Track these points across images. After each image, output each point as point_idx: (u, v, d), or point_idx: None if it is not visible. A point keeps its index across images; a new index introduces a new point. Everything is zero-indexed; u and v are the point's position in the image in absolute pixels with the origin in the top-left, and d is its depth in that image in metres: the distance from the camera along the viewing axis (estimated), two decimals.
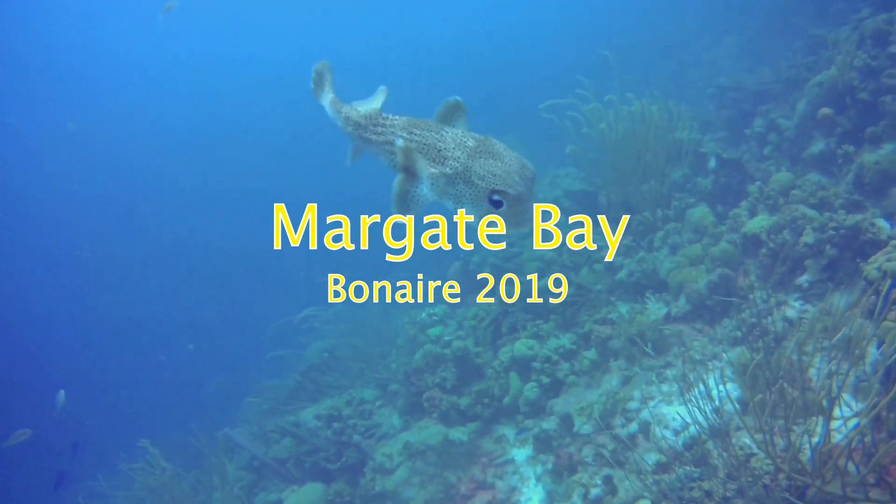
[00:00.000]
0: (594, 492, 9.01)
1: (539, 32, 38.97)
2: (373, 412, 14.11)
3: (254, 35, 53.84)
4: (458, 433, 11.75)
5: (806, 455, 6.19)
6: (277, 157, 43.38)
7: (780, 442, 7.69)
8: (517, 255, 14.99)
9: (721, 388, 9.18)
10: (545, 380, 11.66)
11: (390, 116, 3.89)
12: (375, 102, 4.06)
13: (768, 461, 7.08)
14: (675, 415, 9.50)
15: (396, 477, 11.75)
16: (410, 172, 3.52)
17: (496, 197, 3.29)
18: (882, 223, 9.79)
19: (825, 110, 12.22)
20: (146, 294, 34.78)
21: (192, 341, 28.14)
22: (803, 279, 9.73)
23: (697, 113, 15.44)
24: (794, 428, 6.97)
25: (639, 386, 10.42)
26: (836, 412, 6.19)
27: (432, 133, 3.58)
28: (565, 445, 10.67)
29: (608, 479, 9.03)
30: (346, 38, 52.45)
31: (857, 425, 5.68)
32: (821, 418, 6.22)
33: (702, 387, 9.67)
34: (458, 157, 3.41)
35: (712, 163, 13.71)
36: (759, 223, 10.78)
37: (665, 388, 10.12)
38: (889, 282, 6.61)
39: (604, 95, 13.41)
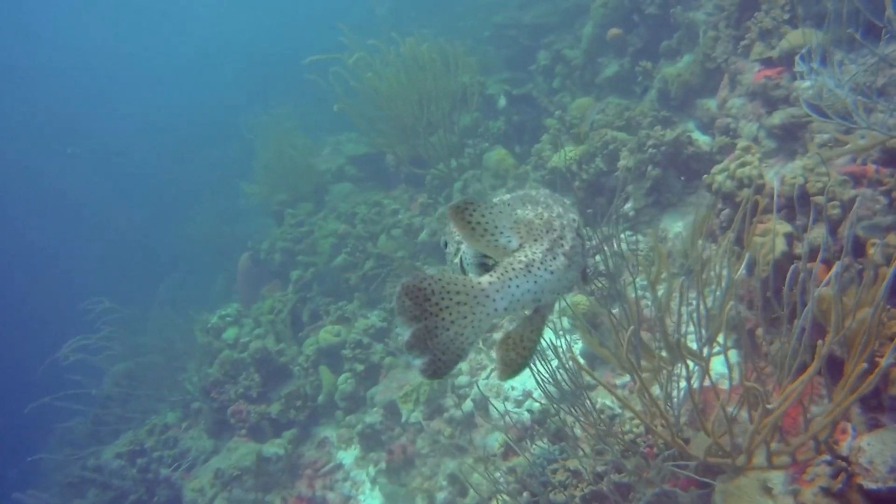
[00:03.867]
0: (440, 496, 7.61)
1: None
2: (179, 438, 12.36)
3: None
4: (273, 447, 10.25)
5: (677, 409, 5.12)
6: None
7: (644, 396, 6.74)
8: (308, 235, 13.57)
9: (561, 341, 8.12)
10: (359, 367, 10.34)
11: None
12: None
13: (637, 422, 5.99)
14: (512, 383, 8.35)
15: None
16: None
17: None
18: (700, 136, 8.97)
19: (615, 30, 11.49)
20: None
21: None
22: (627, 206, 8.74)
23: (479, 59, 14.42)
24: (658, 377, 5.92)
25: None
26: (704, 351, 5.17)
27: None
28: (396, 438, 9.37)
29: (454, 479, 7.67)
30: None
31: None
32: (689, 362, 5.15)
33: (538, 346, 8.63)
34: None
35: (502, 102, 12.70)
36: (566, 154, 9.75)
37: (494, 353, 8.94)
38: (748, 191, 5.60)
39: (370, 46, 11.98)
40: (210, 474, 10.38)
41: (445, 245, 2.94)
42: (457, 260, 2.77)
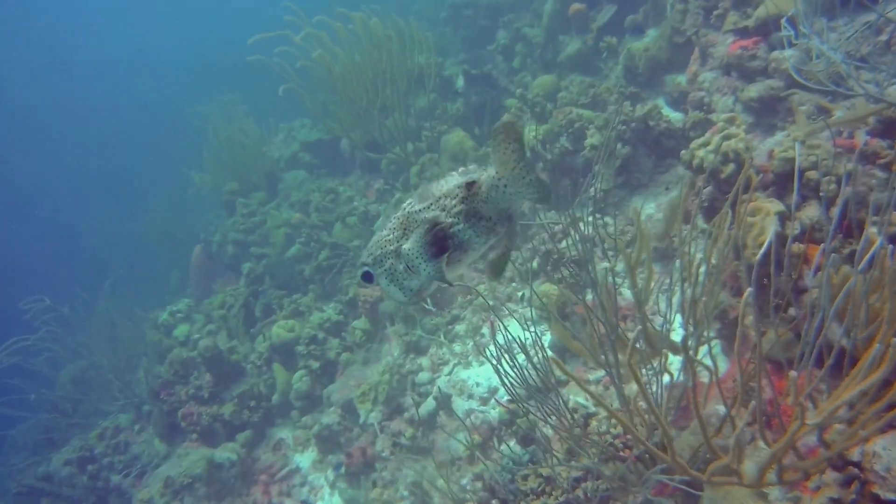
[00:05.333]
0: None
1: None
2: (130, 442, 11.73)
3: None
4: (226, 452, 9.65)
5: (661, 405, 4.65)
6: None
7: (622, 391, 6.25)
8: (261, 225, 12.98)
9: (527, 334, 7.63)
10: (314, 364, 9.79)
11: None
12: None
13: (614, 422, 5.49)
14: (477, 379, 7.83)
15: None
16: None
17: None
18: (670, 112, 8.48)
19: (577, 6, 10.98)
20: None
21: None
22: (596, 187, 8.23)
23: (436, 41, 13.86)
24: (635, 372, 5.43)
25: (425, 351, 8.70)
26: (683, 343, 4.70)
27: None
28: (354, 440, 8.82)
29: (416, 486, 7.06)
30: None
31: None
32: (667, 354, 4.67)
33: (501, 338, 8.09)
34: None
35: (460, 82, 12.17)
36: (528, 134, 9.24)
37: (457, 347, 8.43)
38: (732, 167, 5.09)
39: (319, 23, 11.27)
40: (160, 483, 9.77)
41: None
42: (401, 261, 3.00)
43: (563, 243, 7.82)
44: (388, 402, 8.34)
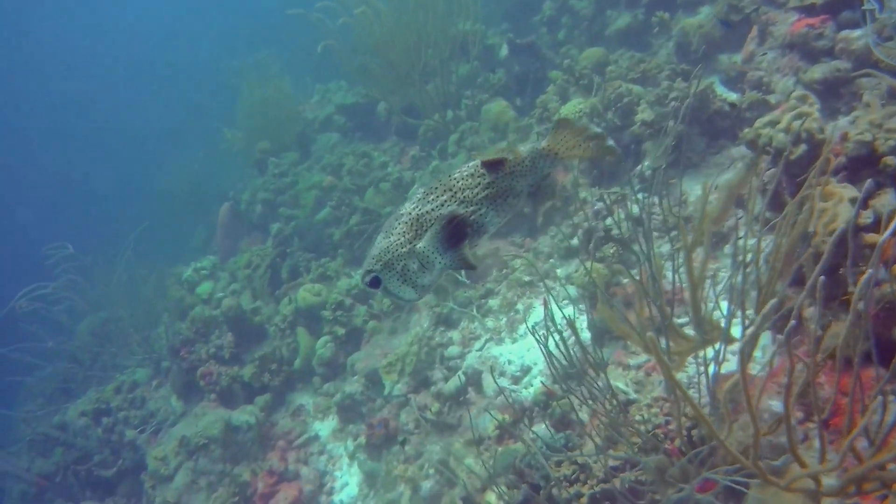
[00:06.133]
0: (426, 485, 6.70)
1: None
2: (147, 398, 11.57)
3: None
4: (244, 415, 9.44)
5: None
6: None
7: (658, 379, 5.95)
8: (291, 186, 12.71)
9: (564, 314, 7.36)
10: (340, 331, 9.54)
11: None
12: None
13: (655, 409, 5.20)
14: (510, 356, 7.56)
15: (177, 483, 9.36)
16: None
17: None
18: (725, 91, 8.12)
19: None
20: None
21: None
22: (644, 165, 7.90)
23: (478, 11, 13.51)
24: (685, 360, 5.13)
25: (456, 325, 8.42)
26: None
27: None
28: (377, 410, 8.57)
29: (443, 466, 6.72)
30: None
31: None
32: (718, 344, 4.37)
33: (539, 316, 7.79)
34: None
35: (503, 51, 11.83)
36: (574, 107, 8.91)
37: (490, 322, 8.13)
38: (803, 148, 4.75)
39: None
40: (175, 442, 9.60)
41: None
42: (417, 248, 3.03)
43: (608, 221, 7.52)
44: (414, 375, 8.07)
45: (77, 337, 13.04)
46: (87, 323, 13.41)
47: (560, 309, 5.64)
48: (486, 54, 12.05)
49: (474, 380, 7.44)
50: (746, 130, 5.37)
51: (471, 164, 3.12)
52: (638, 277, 4.84)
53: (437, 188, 3.06)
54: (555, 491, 5.13)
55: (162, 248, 17.56)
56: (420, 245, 3.00)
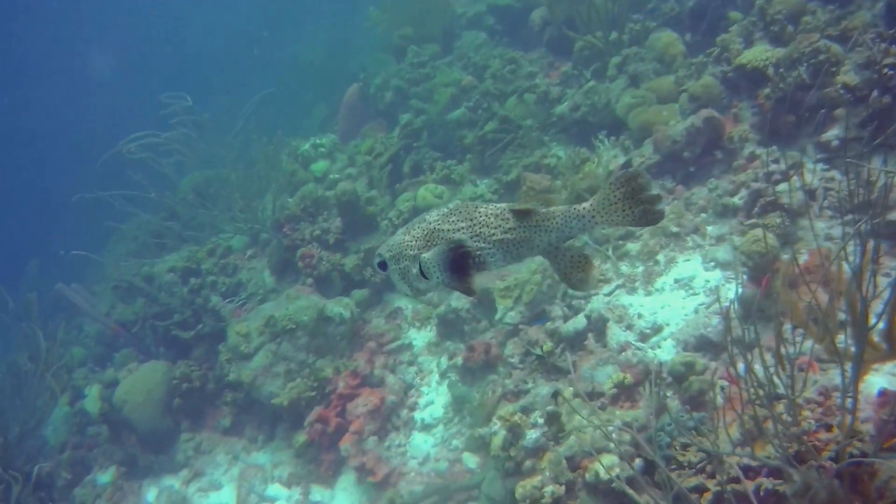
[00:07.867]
0: (531, 435, 5.98)
1: None
2: (239, 266, 11.23)
3: None
4: (339, 307, 8.95)
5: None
6: None
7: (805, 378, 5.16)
8: (428, 78, 12.06)
9: (710, 277, 6.60)
10: None
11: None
12: None
13: (807, 411, 4.46)
14: (640, 309, 6.86)
15: (255, 364, 8.95)
16: None
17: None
18: None
19: None
20: None
21: None
22: (831, 134, 7.01)
23: None
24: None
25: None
26: None
27: None
28: (480, 332, 8.00)
29: (553, 418, 6.01)
30: None
31: None
32: None
33: (681, 273, 7.06)
34: None
35: None
36: (760, 54, 8.01)
37: (625, 268, 7.42)
38: None
39: None
40: (261, 320, 9.18)
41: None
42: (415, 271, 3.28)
43: (781, 186, 6.71)
44: (531, 306, 7.42)
45: (179, 192, 12.69)
46: (192, 179, 13.05)
47: (707, 270, 4.92)
48: None
49: (596, 326, 6.71)
50: None
51: (501, 205, 3.23)
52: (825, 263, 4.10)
53: (461, 212, 3.21)
54: (677, 476, 4.47)
55: (281, 118, 17.14)
56: (425, 256, 3.20)
